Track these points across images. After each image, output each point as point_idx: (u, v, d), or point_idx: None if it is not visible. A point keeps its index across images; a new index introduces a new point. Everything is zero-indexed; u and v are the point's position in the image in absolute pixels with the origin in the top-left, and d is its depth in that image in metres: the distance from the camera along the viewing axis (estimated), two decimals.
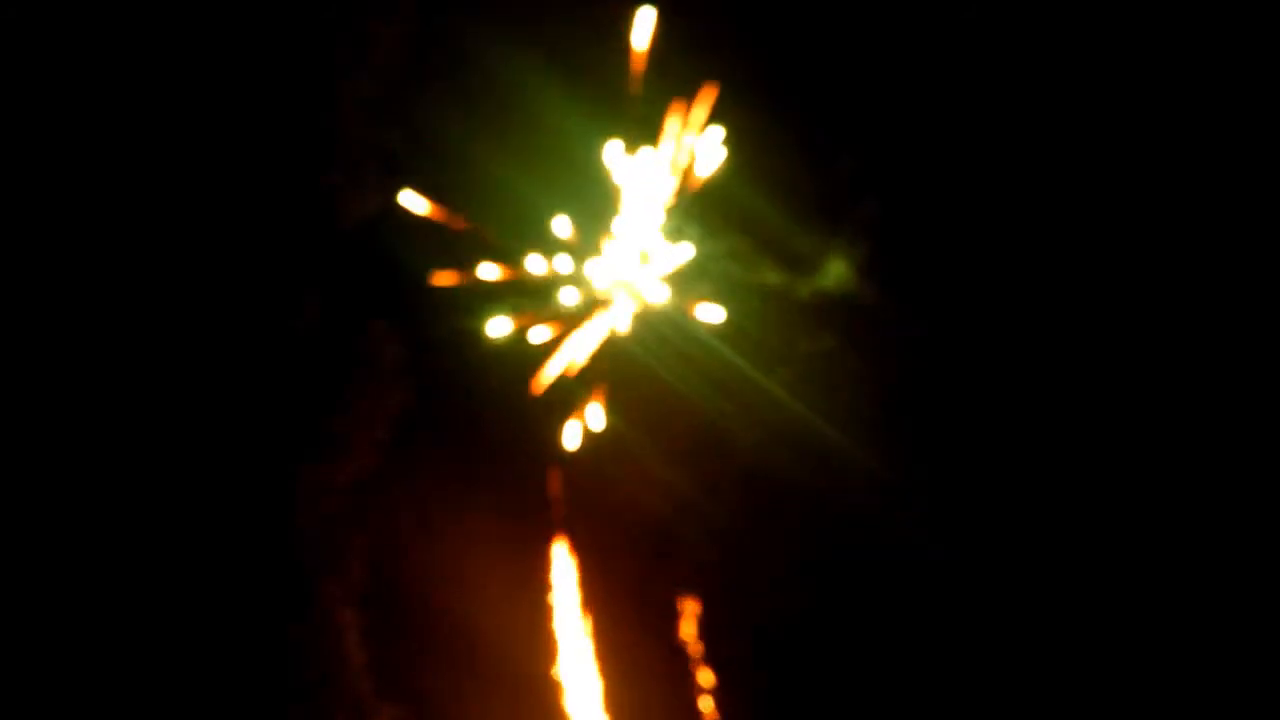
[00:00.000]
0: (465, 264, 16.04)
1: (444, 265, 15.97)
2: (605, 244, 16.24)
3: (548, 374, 16.10)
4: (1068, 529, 15.57)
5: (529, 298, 16.10)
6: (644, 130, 15.99)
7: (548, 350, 16.05)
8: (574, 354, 16.17)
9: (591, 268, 16.26)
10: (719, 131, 15.88)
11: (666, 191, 16.16)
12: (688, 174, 16.05)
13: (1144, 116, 15.67)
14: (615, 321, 16.31)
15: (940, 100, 15.79)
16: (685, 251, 16.24)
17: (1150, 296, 15.67)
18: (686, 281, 16.31)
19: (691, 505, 15.96)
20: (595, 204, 16.08)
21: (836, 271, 16.03)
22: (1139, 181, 15.70)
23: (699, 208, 16.16)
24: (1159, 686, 15.15)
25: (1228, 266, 15.57)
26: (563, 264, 16.19)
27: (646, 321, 16.31)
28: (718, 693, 15.72)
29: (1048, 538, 15.53)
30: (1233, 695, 15.10)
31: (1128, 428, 15.64)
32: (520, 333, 15.98)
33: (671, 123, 15.97)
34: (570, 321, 16.20)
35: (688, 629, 15.83)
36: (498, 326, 15.91)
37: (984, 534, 15.58)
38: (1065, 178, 15.81)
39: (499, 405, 15.89)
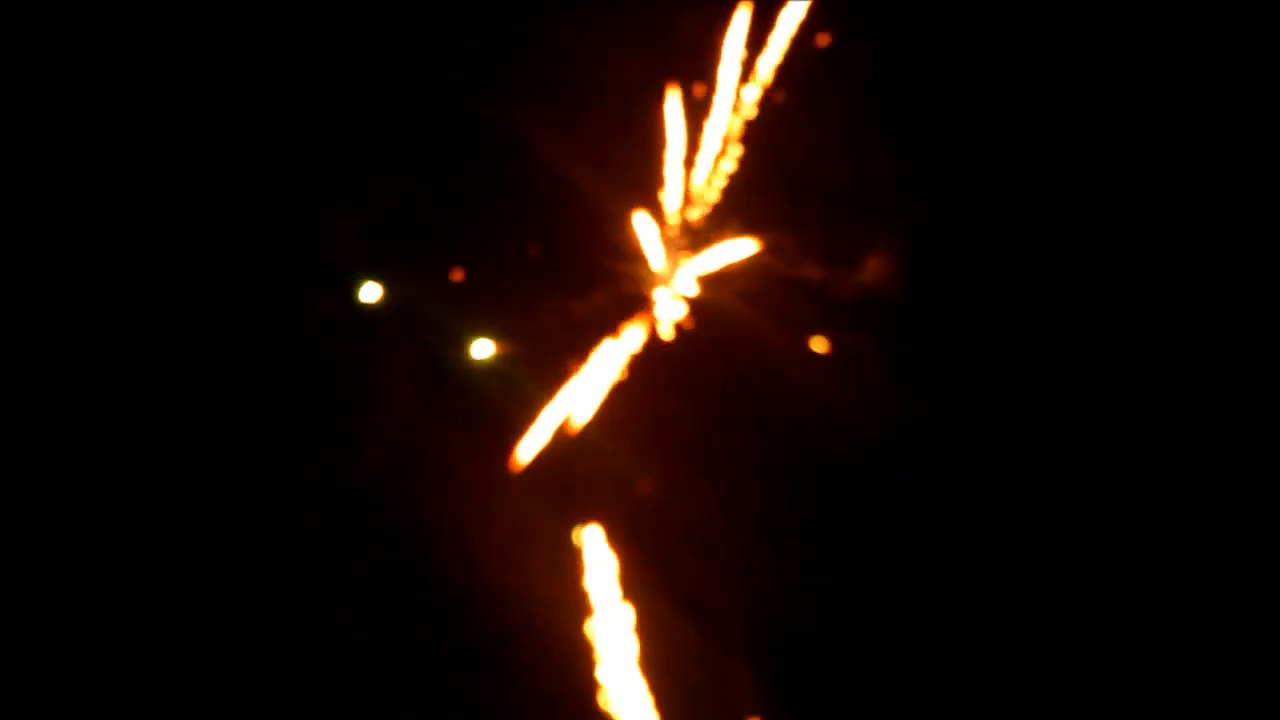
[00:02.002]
0: (476, 259, 15.67)
1: (454, 261, 15.73)
2: (649, 229, 15.59)
3: (575, 385, 15.73)
4: (1110, 533, 15.48)
5: (553, 293, 15.75)
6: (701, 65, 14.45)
7: (574, 354, 15.73)
8: (605, 362, 15.81)
9: (632, 259, 15.68)
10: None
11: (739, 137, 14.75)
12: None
13: (1202, 121, 15.34)
14: (658, 325, 15.73)
15: (989, 97, 15.22)
16: (744, 244, 14.73)
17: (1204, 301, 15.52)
18: (728, 279, 15.79)
19: (724, 505, 15.81)
20: (639, 177, 15.49)
21: (880, 269, 15.62)
22: (1198, 187, 15.41)
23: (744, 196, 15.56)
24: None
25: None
26: (596, 255, 15.63)
27: (689, 323, 15.91)
28: (759, 693, 15.80)
29: (1091, 542, 15.42)
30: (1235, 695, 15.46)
31: (1174, 438, 15.44)
32: (540, 333, 15.57)
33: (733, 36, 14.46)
34: (601, 324, 15.80)
35: (725, 633, 15.81)
36: (504, 335, 15.56)
37: (1027, 536, 15.57)
38: (1118, 178, 15.21)
39: (514, 402, 15.79)
